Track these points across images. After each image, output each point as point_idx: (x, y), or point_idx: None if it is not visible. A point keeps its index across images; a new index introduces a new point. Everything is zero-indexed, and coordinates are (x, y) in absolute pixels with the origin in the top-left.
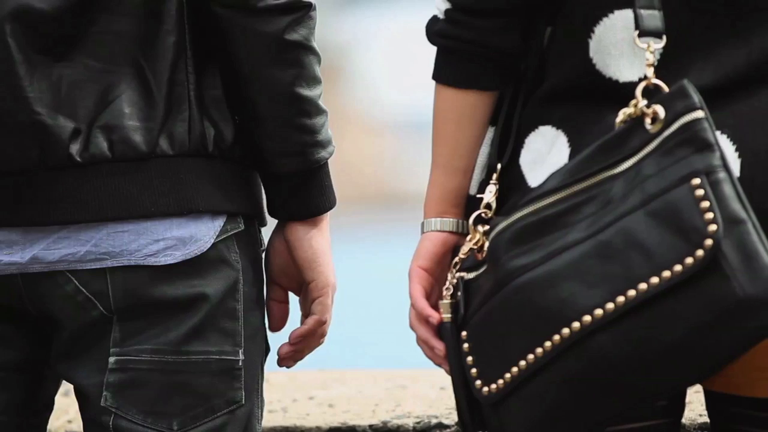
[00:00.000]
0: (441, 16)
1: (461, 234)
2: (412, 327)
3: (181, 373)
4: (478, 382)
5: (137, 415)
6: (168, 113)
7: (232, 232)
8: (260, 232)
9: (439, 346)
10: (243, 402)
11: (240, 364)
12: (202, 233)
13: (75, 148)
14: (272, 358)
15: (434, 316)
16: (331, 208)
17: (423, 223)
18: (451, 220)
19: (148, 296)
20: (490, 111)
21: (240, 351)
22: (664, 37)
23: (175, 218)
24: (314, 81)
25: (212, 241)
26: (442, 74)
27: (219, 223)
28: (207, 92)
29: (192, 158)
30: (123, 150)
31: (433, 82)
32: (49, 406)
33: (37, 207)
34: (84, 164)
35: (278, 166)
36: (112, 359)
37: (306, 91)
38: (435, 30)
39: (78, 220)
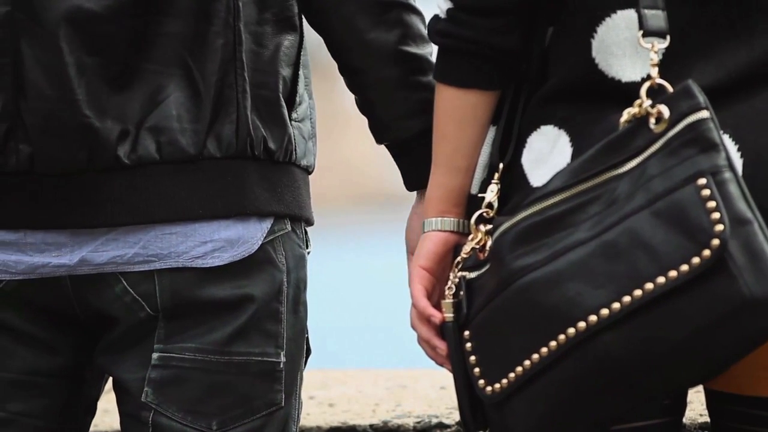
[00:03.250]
0: (442, 15)
1: (462, 233)
2: (413, 326)
3: (223, 374)
4: (482, 382)
5: (177, 412)
6: (216, 115)
7: (279, 233)
8: (306, 232)
9: (442, 345)
10: (282, 404)
11: (281, 366)
12: (249, 235)
13: (123, 150)
14: None
15: (436, 316)
16: None
17: (424, 223)
18: (452, 219)
19: (195, 297)
20: (491, 110)
21: (282, 353)
22: (668, 37)
23: (222, 220)
24: (422, 39)
25: (260, 242)
26: (444, 73)
27: (266, 225)
28: (258, 93)
29: (239, 160)
30: (171, 152)
31: (441, 85)
32: (91, 411)
33: (85, 209)
34: (132, 166)
35: (405, 131)
36: (155, 355)
37: (415, 49)
38: (437, 29)
39: (126, 222)
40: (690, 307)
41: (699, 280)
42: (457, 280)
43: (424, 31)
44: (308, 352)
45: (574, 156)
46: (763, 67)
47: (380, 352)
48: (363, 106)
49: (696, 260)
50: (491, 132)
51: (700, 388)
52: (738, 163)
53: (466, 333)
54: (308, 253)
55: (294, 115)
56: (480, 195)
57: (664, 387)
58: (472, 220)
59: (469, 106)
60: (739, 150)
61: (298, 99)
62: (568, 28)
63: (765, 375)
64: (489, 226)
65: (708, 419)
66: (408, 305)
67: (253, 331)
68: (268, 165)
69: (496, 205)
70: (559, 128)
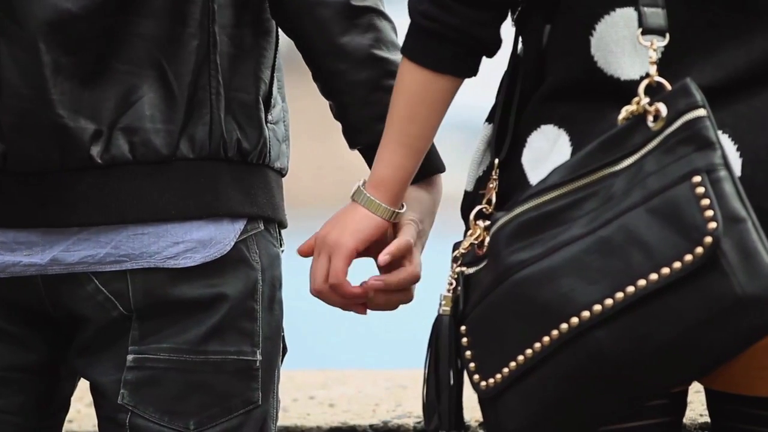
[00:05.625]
0: None
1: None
2: (320, 292)
3: (199, 373)
4: (476, 377)
5: (154, 413)
6: (189, 116)
7: (252, 232)
8: (280, 233)
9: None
10: (259, 402)
11: (258, 364)
12: (222, 236)
13: (96, 150)
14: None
15: (360, 296)
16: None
17: (373, 201)
18: (398, 212)
19: (168, 296)
20: (453, 97)
21: (258, 351)
22: (668, 36)
23: (195, 221)
24: (393, 45)
25: (232, 243)
26: (419, 54)
27: (239, 226)
28: (234, 96)
29: (213, 161)
30: (144, 152)
31: (415, 65)
32: (65, 407)
33: (58, 208)
34: (105, 166)
35: (378, 134)
36: (130, 357)
37: (387, 54)
38: (419, 9)
39: (98, 222)
40: (682, 304)
41: (692, 278)
42: (456, 275)
43: (395, 38)
44: (284, 350)
45: (573, 155)
46: (762, 67)
47: (380, 352)
48: (337, 111)
49: (689, 257)
50: (486, 129)
51: (700, 387)
52: (737, 162)
53: (463, 328)
54: (282, 251)
55: (269, 118)
56: (480, 192)
57: (656, 384)
58: (471, 216)
59: (441, 91)
60: (738, 150)
61: (272, 101)
62: (566, 26)
63: (762, 375)
64: (487, 222)
65: (708, 419)
66: (409, 306)
67: (229, 329)
68: (242, 167)
69: (494, 201)
70: (559, 127)
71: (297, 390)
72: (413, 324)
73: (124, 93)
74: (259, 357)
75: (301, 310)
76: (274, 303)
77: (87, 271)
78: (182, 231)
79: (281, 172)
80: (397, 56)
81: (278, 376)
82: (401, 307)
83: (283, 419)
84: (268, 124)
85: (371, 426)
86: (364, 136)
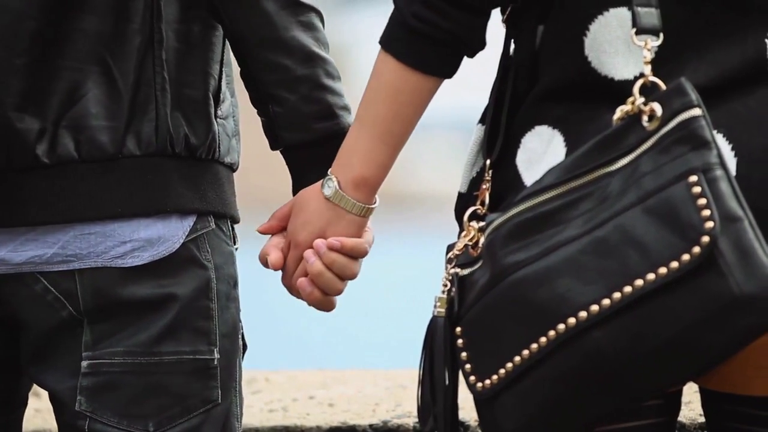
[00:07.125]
0: None
1: None
2: (293, 285)
3: (155, 374)
4: (473, 378)
5: (113, 417)
6: (134, 113)
7: (202, 231)
8: (233, 229)
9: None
10: (219, 401)
11: (215, 362)
12: (170, 234)
13: (41, 149)
14: (273, 358)
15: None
16: None
17: (358, 206)
18: (373, 207)
19: (117, 297)
20: (433, 96)
21: (215, 350)
22: (661, 35)
23: (142, 219)
24: (327, 46)
25: (181, 241)
26: (409, 56)
27: (188, 223)
28: (182, 91)
29: (160, 158)
30: (90, 150)
31: (402, 65)
32: (25, 402)
33: (4, 208)
34: (51, 165)
35: (315, 132)
36: (84, 363)
37: (325, 54)
38: (411, 11)
39: (45, 221)
40: (680, 303)
41: (689, 277)
42: (450, 277)
43: (326, 39)
44: (244, 347)
45: (568, 156)
46: (756, 66)
47: (380, 352)
48: (273, 106)
49: (686, 257)
50: (479, 131)
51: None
52: (732, 162)
53: (458, 329)
54: (236, 249)
55: (218, 113)
56: (474, 193)
57: (653, 384)
58: (465, 217)
59: (428, 91)
60: (733, 149)
61: (221, 96)
62: (560, 27)
63: (758, 374)
64: (482, 223)
65: None
66: (409, 306)
67: (182, 329)
68: (190, 162)
69: (487, 202)
70: (553, 128)
71: (297, 390)
72: (413, 324)
73: (69, 90)
74: (216, 355)
75: (300, 311)
76: (230, 301)
77: (34, 271)
78: (130, 230)
79: (232, 167)
80: (329, 57)
81: (239, 374)
82: (400, 307)
83: (283, 419)
84: (218, 119)
85: (371, 426)
86: (299, 134)
